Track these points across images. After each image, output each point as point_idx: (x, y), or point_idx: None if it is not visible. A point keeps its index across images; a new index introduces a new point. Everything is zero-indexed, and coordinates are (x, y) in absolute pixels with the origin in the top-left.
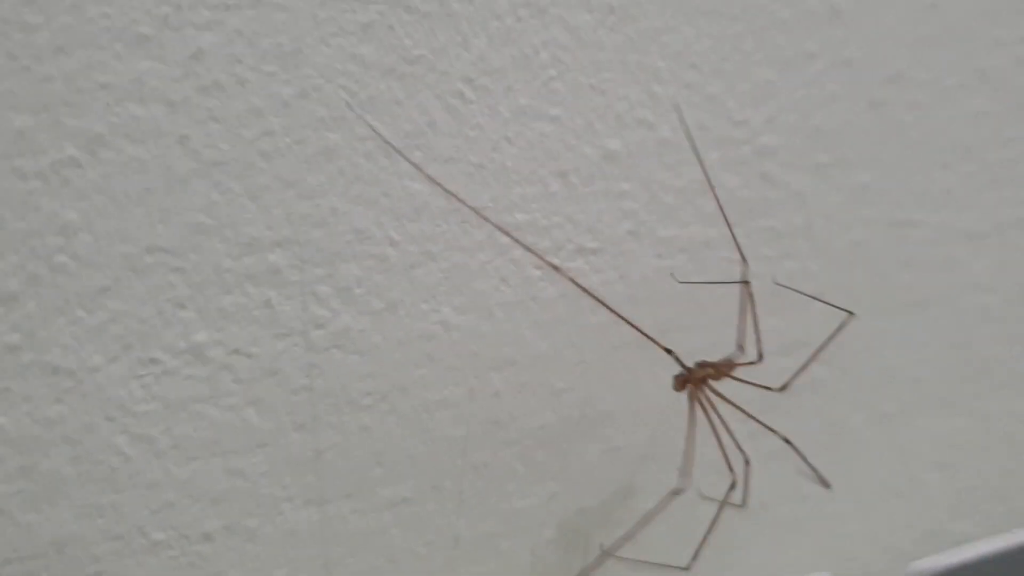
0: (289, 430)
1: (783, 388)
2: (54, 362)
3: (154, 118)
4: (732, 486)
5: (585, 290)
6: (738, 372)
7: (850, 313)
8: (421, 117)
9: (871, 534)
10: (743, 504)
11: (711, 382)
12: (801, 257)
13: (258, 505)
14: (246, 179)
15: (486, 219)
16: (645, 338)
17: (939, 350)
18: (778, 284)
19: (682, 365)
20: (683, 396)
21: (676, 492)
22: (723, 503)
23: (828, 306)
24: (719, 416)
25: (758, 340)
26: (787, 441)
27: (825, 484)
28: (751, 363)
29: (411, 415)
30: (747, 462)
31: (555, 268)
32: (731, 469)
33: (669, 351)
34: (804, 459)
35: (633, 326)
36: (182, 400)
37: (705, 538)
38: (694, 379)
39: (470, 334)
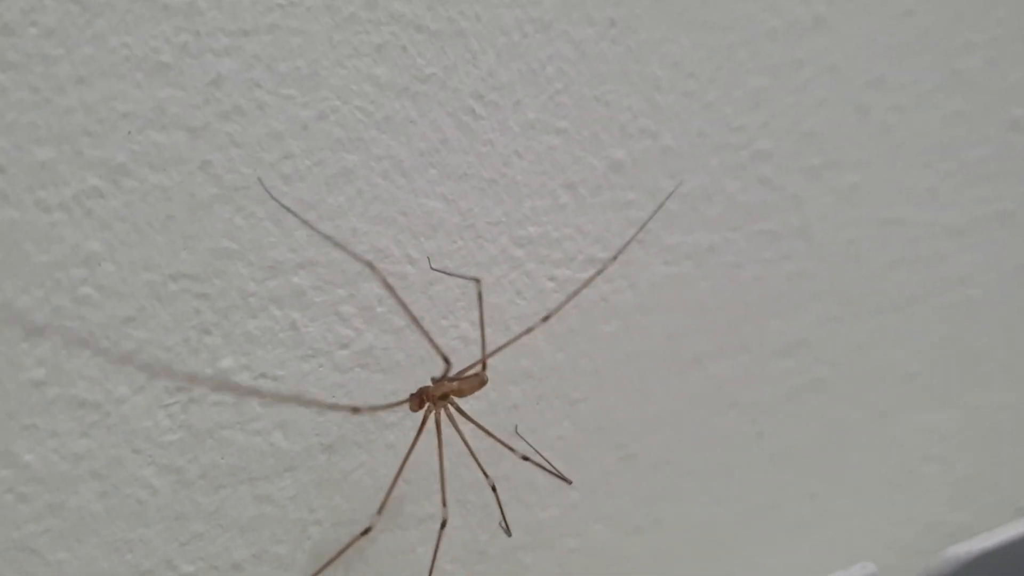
0: (316, 452)
1: (546, 318)
2: (80, 395)
3: (175, 145)
4: (443, 525)
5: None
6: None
7: (610, 260)
8: (434, 135)
9: (875, 529)
10: (508, 532)
11: (455, 399)
12: (799, 258)
13: (287, 531)
14: (268, 202)
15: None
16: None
17: (929, 345)
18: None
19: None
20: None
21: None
22: (437, 546)
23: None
24: (462, 438)
25: (483, 344)
26: (525, 458)
27: (567, 481)
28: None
29: (433, 430)
30: (493, 488)
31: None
32: (444, 503)
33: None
34: (546, 468)
35: None
36: (209, 428)
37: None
38: (432, 396)
39: (488, 348)
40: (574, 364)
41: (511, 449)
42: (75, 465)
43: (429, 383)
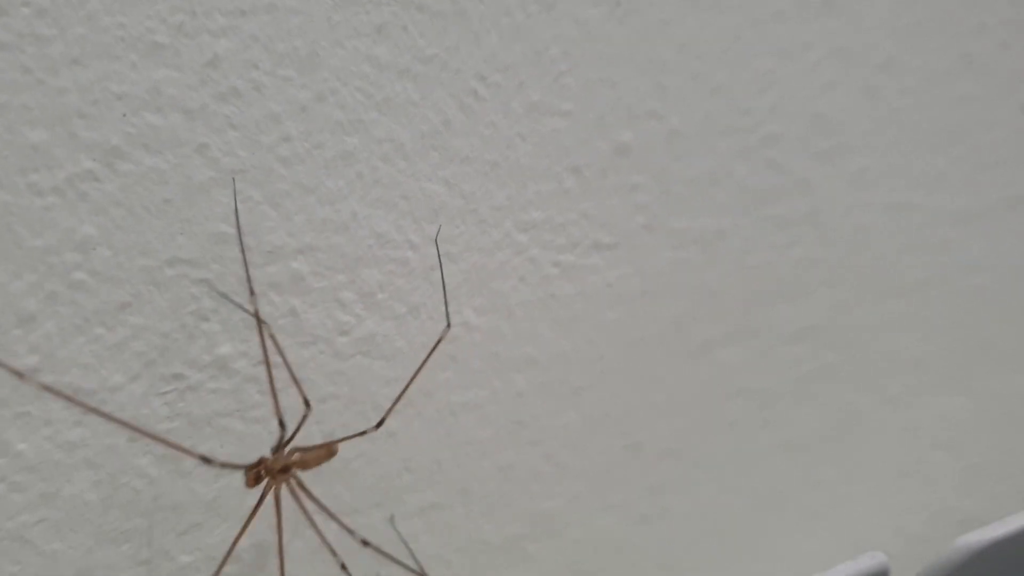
0: (316, 439)
1: (379, 424)
2: (74, 383)
3: (172, 127)
4: None
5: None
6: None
7: (448, 326)
8: (436, 117)
9: (884, 517)
10: None
11: (298, 472)
12: (808, 244)
13: (286, 519)
14: (266, 186)
15: None
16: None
17: (939, 331)
18: None
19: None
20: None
21: None
22: None
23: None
24: (306, 515)
25: (301, 391)
26: (365, 543)
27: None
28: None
29: (436, 419)
30: (343, 567)
31: None
32: None
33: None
34: (395, 559)
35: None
36: (207, 415)
37: None
38: (271, 470)
39: (491, 335)
40: (578, 351)
41: (350, 532)
42: (69, 454)
43: (268, 454)
